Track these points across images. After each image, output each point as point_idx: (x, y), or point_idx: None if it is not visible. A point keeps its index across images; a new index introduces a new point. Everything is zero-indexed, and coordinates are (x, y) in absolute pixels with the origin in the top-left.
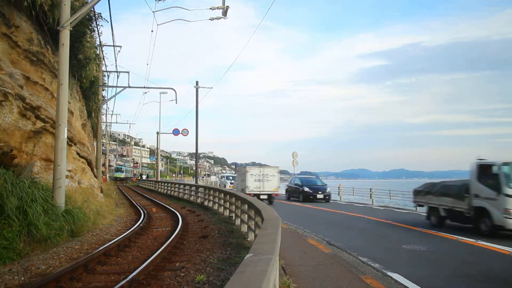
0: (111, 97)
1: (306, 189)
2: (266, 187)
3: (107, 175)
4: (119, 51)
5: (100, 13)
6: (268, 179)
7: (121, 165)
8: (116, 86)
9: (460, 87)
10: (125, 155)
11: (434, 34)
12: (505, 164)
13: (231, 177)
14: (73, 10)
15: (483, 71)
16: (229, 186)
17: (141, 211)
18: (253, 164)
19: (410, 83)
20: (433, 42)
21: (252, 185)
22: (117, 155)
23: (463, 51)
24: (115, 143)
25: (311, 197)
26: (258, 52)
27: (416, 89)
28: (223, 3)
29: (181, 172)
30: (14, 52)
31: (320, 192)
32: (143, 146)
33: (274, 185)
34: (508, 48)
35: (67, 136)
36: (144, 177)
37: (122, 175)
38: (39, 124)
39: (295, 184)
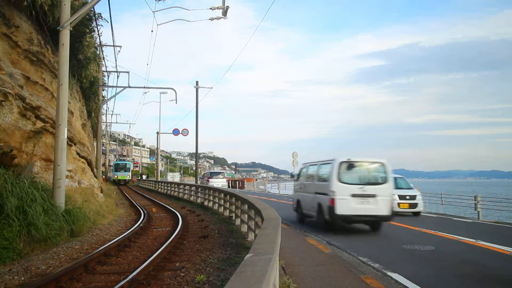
0: (111, 97)
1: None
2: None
3: (107, 174)
4: (119, 51)
5: (100, 13)
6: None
7: (124, 160)
8: (116, 86)
9: (458, 87)
10: (125, 155)
11: (433, 34)
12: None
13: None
14: (73, 10)
15: (481, 71)
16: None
17: (141, 211)
18: (253, 164)
19: (408, 83)
20: (431, 42)
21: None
22: (117, 155)
23: (461, 51)
24: (115, 143)
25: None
26: (258, 53)
27: (414, 89)
28: (223, 3)
29: (181, 172)
30: (14, 52)
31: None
32: (143, 146)
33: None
34: (507, 49)
35: (67, 136)
36: (144, 177)
37: (127, 176)
38: (39, 124)
39: None
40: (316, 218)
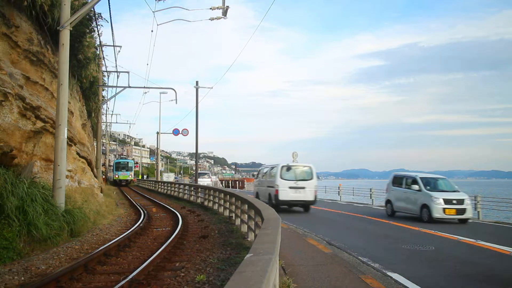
0: (111, 97)
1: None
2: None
3: (107, 174)
4: (119, 51)
5: (100, 13)
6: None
7: (125, 158)
8: (116, 86)
9: (458, 87)
10: (125, 155)
11: (432, 34)
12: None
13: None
14: (73, 10)
15: (481, 71)
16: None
17: (141, 211)
18: (253, 164)
19: (408, 83)
20: (430, 42)
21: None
22: (117, 155)
23: (461, 51)
24: (115, 143)
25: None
26: (258, 53)
27: (414, 89)
28: (223, 3)
29: (181, 172)
30: (14, 52)
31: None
32: (143, 146)
33: None
34: (506, 49)
35: (67, 136)
36: (144, 177)
37: (129, 175)
38: (39, 124)
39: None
40: (267, 203)
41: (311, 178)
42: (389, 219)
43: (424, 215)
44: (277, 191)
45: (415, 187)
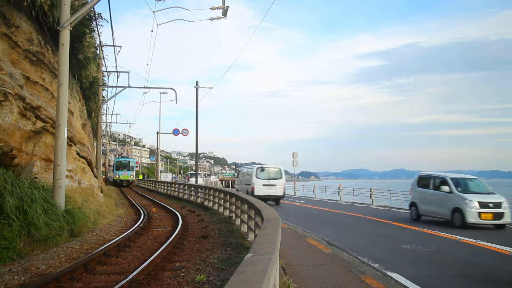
0: (111, 97)
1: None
2: None
3: (107, 174)
4: (119, 51)
5: (100, 13)
6: None
7: (126, 157)
8: (116, 86)
9: (458, 87)
10: (125, 155)
11: (432, 34)
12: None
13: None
14: (73, 10)
15: (481, 71)
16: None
17: (141, 211)
18: (253, 164)
19: (408, 83)
20: (430, 43)
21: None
22: (117, 155)
23: (461, 51)
24: (115, 143)
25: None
26: (258, 53)
27: (414, 89)
28: (223, 3)
29: (181, 172)
30: (14, 52)
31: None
32: (143, 146)
33: None
34: (506, 49)
35: (67, 136)
36: (145, 177)
37: (130, 175)
38: (39, 124)
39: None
40: None
41: (281, 177)
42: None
43: (456, 220)
44: (253, 188)
45: (445, 188)
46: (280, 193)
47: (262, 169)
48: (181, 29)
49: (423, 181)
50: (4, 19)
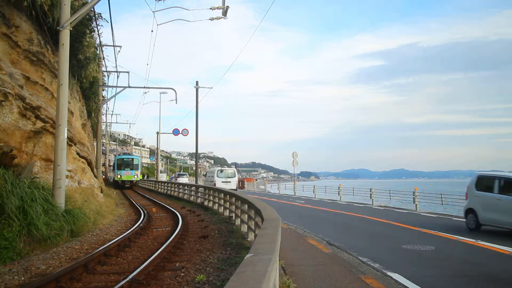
0: (111, 97)
1: None
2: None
3: (108, 174)
4: (119, 51)
5: (100, 13)
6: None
7: (129, 154)
8: (116, 86)
9: (458, 87)
10: (128, 152)
11: (432, 34)
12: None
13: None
14: (73, 10)
15: (481, 71)
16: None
17: (141, 211)
18: (253, 164)
19: (408, 83)
20: (430, 43)
21: None
22: (117, 155)
23: (460, 51)
24: (115, 143)
25: None
26: (258, 53)
27: (414, 89)
28: (223, 3)
29: (181, 172)
30: (14, 52)
31: None
32: (143, 146)
33: None
34: (506, 49)
35: (67, 136)
36: (145, 177)
37: (134, 175)
38: (39, 124)
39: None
40: None
41: (234, 176)
42: (388, 219)
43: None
44: (215, 183)
45: None
46: (234, 187)
47: (221, 171)
48: (181, 29)
49: (485, 183)
50: (4, 19)
